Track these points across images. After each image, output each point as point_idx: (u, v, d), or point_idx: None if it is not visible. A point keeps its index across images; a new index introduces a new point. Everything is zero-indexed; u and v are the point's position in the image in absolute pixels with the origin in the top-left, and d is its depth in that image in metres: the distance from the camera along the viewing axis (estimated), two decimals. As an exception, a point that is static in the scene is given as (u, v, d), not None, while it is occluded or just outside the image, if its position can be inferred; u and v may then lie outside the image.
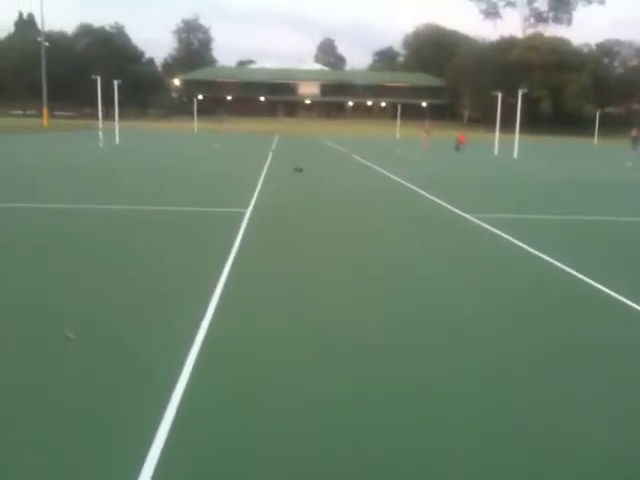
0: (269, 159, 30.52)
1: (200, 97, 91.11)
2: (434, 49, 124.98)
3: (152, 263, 9.00)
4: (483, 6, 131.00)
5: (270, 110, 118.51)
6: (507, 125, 45.68)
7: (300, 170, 23.82)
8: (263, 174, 22.24)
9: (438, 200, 16.46)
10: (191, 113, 77.95)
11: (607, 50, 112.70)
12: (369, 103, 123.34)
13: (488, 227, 12.62)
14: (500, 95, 42.88)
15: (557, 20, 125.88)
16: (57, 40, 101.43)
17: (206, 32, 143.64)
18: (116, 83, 41.35)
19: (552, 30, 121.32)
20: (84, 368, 5.22)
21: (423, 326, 6.56)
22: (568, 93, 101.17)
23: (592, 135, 77.00)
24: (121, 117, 44.48)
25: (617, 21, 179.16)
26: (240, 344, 5.86)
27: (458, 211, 14.62)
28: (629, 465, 4.05)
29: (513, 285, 8.45)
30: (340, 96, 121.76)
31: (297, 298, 7.46)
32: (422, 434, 4.30)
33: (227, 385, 4.97)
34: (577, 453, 4.16)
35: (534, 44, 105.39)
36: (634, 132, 49.99)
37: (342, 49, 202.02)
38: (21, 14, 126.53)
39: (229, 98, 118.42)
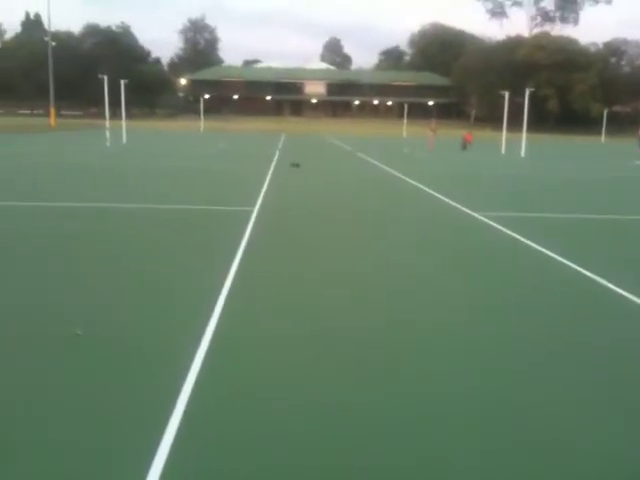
0: (276, 158, 30.52)
1: (206, 96, 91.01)
2: (440, 48, 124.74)
3: (160, 262, 8.98)
4: (489, 5, 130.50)
5: (276, 109, 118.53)
6: (514, 124, 45.57)
7: (297, 165, 24.41)
8: (270, 173, 22.24)
9: (445, 198, 16.42)
10: (197, 112, 78.05)
11: (614, 49, 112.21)
12: (375, 102, 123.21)
13: (495, 225, 12.58)
14: (507, 94, 42.77)
15: (564, 19, 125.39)
16: (64, 40, 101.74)
17: (212, 32, 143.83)
18: (123, 83, 41.43)
19: (559, 29, 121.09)
20: (91, 367, 5.21)
21: (426, 325, 6.53)
22: (575, 92, 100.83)
23: (599, 134, 76.70)
24: (128, 116, 44.55)
25: (624, 20, 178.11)
26: (247, 343, 5.85)
27: (466, 209, 14.58)
28: (629, 465, 4.01)
29: (520, 284, 8.41)
30: (346, 95, 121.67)
31: (303, 297, 7.44)
32: (423, 434, 4.28)
33: (234, 384, 4.95)
34: (577, 453, 4.13)
35: (541, 43, 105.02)
36: (642, 131, 49.76)
37: (348, 48, 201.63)
38: (28, 14, 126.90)
39: (235, 97, 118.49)
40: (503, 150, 40.98)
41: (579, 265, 9.19)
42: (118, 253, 9.50)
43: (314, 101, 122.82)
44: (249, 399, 4.68)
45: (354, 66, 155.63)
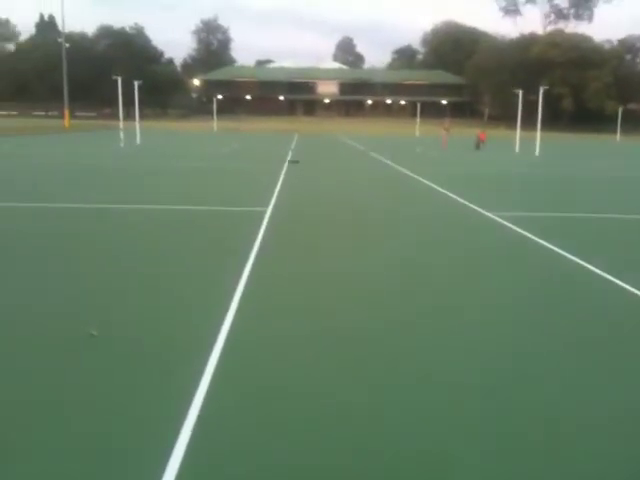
0: (289, 158, 30.52)
1: (219, 97, 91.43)
2: (453, 47, 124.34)
3: (174, 263, 8.99)
4: (503, 3, 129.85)
5: (289, 109, 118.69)
6: (528, 122, 45.39)
7: (296, 162, 25.70)
8: (283, 173, 22.24)
9: (459, 198, 16.34)
10: (210, 113, 78.27)
11: (629, 46, 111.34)
12: (388, 101, 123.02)
13: (509, 225, 12.50)
14: (521, 93, 42.56)
15: (578, 17, 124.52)
16: (78, 41, 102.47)
17: (225, 32, 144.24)
18: (136, 84, 41.61)
19: (573, 27, 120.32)
20: (106, 367, 5.22)
21: (440, 324, 6.50)
22: (590, 90, 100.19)
23: (614, 132, 76.18)
24: (141, 117, 44.72)
25: (639, 17, 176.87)
26: (261, 344, 5.83)
27: (479, 209, 14.51)
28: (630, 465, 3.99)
29: (532, 284, 8.35)
30: (359, 95, 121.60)
31: (317, 298, 7.42)
32: (433, 434, 4.26)
33: (249, 384, 4.95)
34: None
35: (555, 41, 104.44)
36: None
37: (361, 48, 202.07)
38: (42, 16, 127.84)
39: (248, 97, 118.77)
40: (517, 149, 40.80)
41: (594, 265, 9.11)
42: (132, 255, 9.53)
43: (327, 101, 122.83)
44: (264, 399, 4.67)
45: (367, 65, 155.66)
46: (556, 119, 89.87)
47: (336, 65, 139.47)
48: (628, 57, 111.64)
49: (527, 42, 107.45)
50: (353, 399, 4.74)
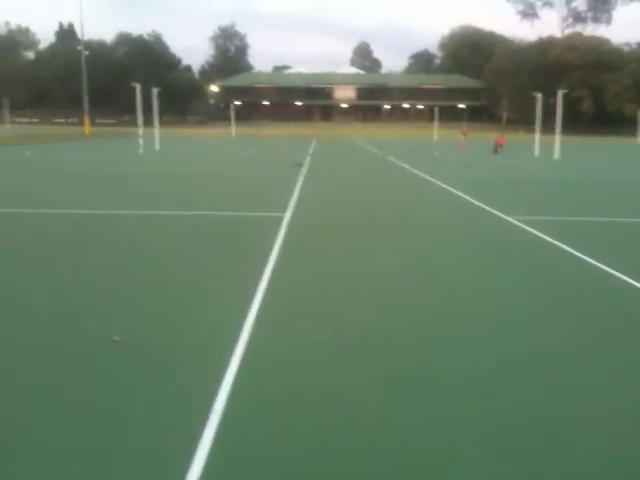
0: (307, 162, 30.59)
1: (237, 103, 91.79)
2: (470, 50, 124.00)
3: (193, 268, 9.05)
4: (520, 7, 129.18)
5: (307, 114, 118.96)
6: (547, 126, 45.09)
7: (300, 165, 27.11)
8: (301, 178, 22.28)
9: (477, 202, 16.28)
10: (228, 119, 78.56)
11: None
12: (405, 106, 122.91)
13: (527, 228, 12.44)
14: (540, 96, 42.33)
15: (596, 19, 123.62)
16: (97, 49, 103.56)
17: (242, 38, 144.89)
18: (155, 91, 41.92)
19: (591, 29, 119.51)
20: (128, 372, 5.28)
21: (456, 328, 6.49)
22: (609, 93, 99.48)
23: (634, 135, 75.50)
24: (160, 124, 45.02)
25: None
26: (281, 351, 5.86)
27: (497, 212, 14.45)
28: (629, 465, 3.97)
29: (546, 287, 8.30)
30: (376, 99, 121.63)
31: (331, 300, 7.44)
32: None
33: (265, 389, 4.98)
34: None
35: (573, 44, 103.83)
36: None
37: (378, 52, 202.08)
38: (61, 24, 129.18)
39: (266, 103, 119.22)
40: (536, 152, 40.56)
41: (614, 268, 9.04)
42: (149, 259, 9.60)
43: (344, 106, 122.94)
44: (281, 403, 4.70)
45: (384, 70, 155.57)
46: (575, 122, 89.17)
47: (353, 70, 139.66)
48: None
49: (545, 45, 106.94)
50: (364, 400, 4.76)
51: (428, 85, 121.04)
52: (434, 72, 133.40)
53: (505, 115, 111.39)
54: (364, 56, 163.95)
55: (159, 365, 5.43)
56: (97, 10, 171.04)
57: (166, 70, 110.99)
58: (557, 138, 39.20)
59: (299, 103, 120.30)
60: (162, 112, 52.16)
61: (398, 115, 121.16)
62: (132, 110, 50.18)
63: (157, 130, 42.86)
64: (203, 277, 8.44)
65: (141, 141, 39.45)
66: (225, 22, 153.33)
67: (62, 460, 3.92)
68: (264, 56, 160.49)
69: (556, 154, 38.02)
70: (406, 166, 29.39)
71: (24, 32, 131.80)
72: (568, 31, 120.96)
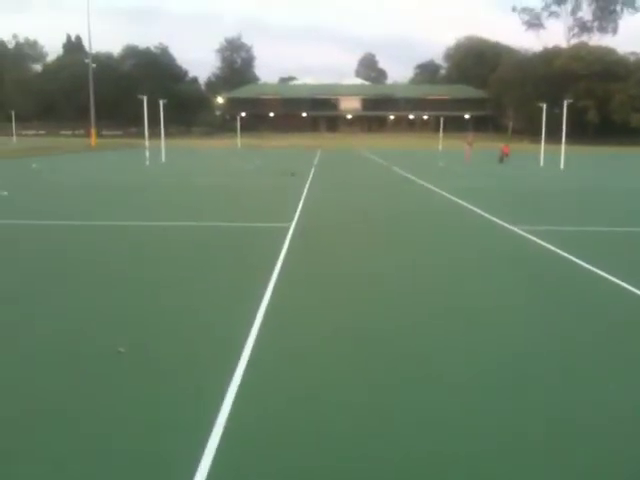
0: (311, 174, 30.71)
1: (243, 114, 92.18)
2: (476, 61, 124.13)
3: (203, 278, 9.15)
4: (526, 17, 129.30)
5: (312, 125, 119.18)
6: (552, 136, 45.13)
7: (293, 174, 28.10)
8: (306, 189, 22.38)
9: (481, 211, 16.35)
10: (234, 130, 78.86)
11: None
12: (411, 116, 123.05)
13: (531, 237, 12.50)
14: (545, 106, 42.40)
15: (602, 29, 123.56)
16: (104, 61, 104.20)
17: (248, 50, 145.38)
18: (161, 102, 42.17)
19: (597, 39, 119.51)
20: (136, 382, 5.38)
21: (462, 337, 6.56)
22: (614, 102, 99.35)
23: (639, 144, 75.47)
24: (166, 135, 45.25)
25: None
26: (285, 356, 5.95)
27: (502, 222, 14.51)
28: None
29: (547, 292, 8.36)
30: (381, 110, 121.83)
31: (334, 300, 7.52)
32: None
33: (275, 397, 5.05)
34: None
35: (579, 54, 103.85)
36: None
37: (383, 63, 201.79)
38: (69, 37, 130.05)
39: (271, 115, 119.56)
40: (542, 162, 40.59)
41: (616, 276, 9.09)
42: (163, 271, 9.71)
43: (349, 116, 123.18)
44: (283, 406, 4.78)
45: (389, 81, 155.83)
46: (581, 132, 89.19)
47: (358, 81, 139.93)
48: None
49: (551, 55, 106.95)
50: (364, 400, 4.85)
51: (433, 95, 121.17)
52: (439, 82, 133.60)
53: (511, 125, 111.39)
54: (369, 67, 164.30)
55: (167, 372, 5.52)
56: (104, 23, 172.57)
57: (173, 82, 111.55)
58: (562, 148, 39.23)
59: (305, 114, 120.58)
60: (169, 124, 52.51)
61: (403, 125, 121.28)
62: (138, 122, 50.54)
63: (163, 142, 43.09)
64: (211, 287, 8.54)
65: (147, 153, 39.66)
66: (231, 34, 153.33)
67: (67, 463, 4.02)
68: (270, 67, 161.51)
69: (561, 164, 38.04)
70: (411, 176, 29.47)
71: (32, 45, 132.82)
72: (574, 41, 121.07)
